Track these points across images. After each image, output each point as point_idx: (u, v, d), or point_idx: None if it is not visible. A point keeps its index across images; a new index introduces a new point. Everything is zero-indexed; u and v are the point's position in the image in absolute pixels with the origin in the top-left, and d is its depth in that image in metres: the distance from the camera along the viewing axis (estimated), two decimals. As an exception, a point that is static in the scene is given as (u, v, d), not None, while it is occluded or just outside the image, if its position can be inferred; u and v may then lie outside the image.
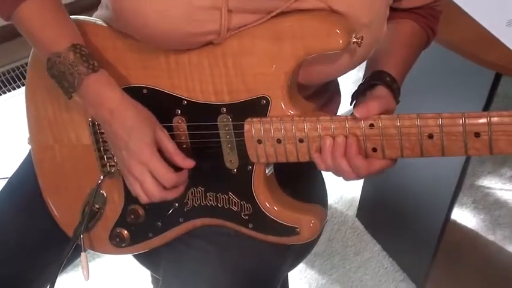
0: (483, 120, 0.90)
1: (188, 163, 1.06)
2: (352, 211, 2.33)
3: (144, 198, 1.05)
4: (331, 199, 2.35)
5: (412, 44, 1.16)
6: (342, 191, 2.38)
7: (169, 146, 1.05)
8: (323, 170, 1.02)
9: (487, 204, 2.34)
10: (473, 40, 1.47)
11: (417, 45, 1.17)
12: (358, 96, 1.06)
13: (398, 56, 1.11)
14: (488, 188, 2.41)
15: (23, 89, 2.65)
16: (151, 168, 1.03)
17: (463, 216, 2.30)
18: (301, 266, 2.13)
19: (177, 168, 1.05)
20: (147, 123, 1.03)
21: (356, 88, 1.07)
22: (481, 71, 1.49)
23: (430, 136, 0.94)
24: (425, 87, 1.74)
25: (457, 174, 1.78)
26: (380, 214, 2.23)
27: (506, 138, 0.90)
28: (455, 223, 2.27)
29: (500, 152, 0.92)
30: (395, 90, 1.04)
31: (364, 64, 1.11)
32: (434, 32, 1.19)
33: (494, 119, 0.90)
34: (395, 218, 2.14)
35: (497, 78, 1.54)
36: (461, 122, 0.92)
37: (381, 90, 1.03)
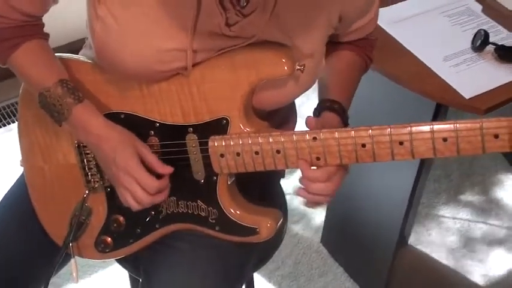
0: (405, 131, 1.04)
1: (167, 169, 1.15)
2: (317, 237, 2.39)
3: (134, 205, 1.14)
4: (299, 226, 2.42)
5: (351, 70, 1.29)
6: (308, 219, 2.45)
7: (150, 157, 1.14)
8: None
9: (440, 231, 2.45)
10: (415, 73, 1.59)
11: (356, 71, 1.30)
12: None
13: (340, 82, 1.24)
14: (442, 216, 2.50)
15: (12, 125, 2.74)
16: (137, 178, 1.11)
17: (419, 242, 2.40)
18: (269, 287, 2.23)
19: (158, 178, 1.14)
20: (129, 140, 1.14)
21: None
22: (424, 101, 1.60)
23: (363, 145, 1.06)
24: (375, 117, 1.82)
25: (405, 204, 1.89)
26: (342, 240, 2.32)
27: (424, 144, 1.04)
28: (411, 249, 2.37)
29: (421, 156, 1.05)
30: (337, 110, 1.18)
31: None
32: (370, 58, 1.34)
33: (414, 129, 1.03)
34: (356, 243, 2.23)
35: (439, 107, 1.64)
36: (388, 132, 1.05)
37: (326, 114, 1.18)
